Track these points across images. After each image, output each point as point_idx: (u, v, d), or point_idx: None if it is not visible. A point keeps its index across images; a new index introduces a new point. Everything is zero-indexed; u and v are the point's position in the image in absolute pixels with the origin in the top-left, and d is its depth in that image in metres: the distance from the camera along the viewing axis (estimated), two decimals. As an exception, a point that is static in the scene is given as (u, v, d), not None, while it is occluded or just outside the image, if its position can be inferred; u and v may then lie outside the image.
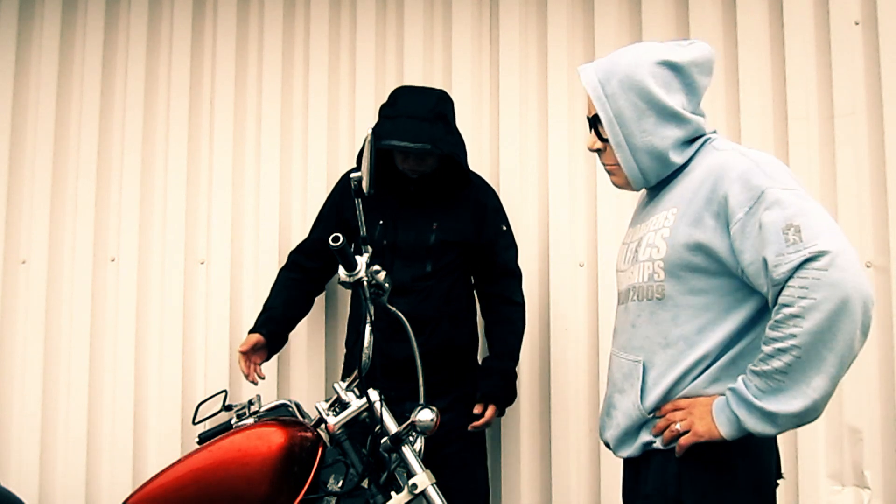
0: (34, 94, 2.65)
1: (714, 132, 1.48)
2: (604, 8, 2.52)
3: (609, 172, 1.53)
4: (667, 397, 1.37)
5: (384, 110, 2.11)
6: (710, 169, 1.36)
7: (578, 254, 2.48)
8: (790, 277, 1.21)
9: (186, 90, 2.64)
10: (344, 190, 2.25)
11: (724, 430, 1.28)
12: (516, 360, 2.20)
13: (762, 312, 1.34)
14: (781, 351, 1.21)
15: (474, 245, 2.19)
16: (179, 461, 1.68)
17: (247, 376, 2.14)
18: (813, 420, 1.27)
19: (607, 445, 1.52)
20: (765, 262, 1.24)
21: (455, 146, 2.11)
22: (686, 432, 1.31)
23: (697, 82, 1.42)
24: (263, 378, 2.16)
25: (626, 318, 1.48)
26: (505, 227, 2.26)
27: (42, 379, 2.56)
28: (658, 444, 1.37)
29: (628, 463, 1.50)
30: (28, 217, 2.61)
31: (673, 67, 1.39)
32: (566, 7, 2.55)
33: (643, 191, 1.58)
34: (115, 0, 2.68)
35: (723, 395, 1.31)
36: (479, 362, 2.29)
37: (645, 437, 1.40)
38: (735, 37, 2.42)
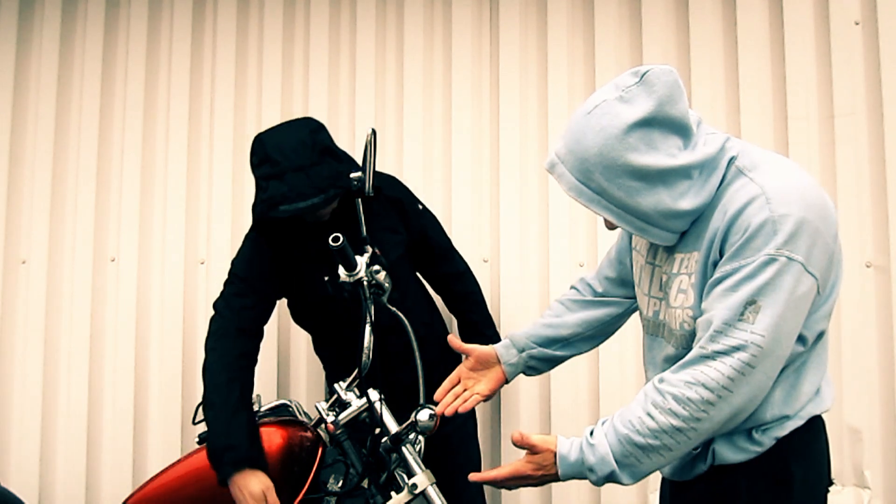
0: (34, 94, 2.65)
1: (727, 139, 1.30)
2: (604, 8, 2.52)
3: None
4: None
5: (261, 169, 1.79)
6: (731, 208, 1.22)
7: (578, 254, 2.48)
8: (722, 354, 1.18)
9: (186, 90, 2.64)
10: (267, 244, 1.95)
11: (563, 478, 1.29)
12: (492, 323, 2.25)
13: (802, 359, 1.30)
14: (678, 430, 1.20)
15: (412, 242, 2.08)
16: (179, 461, 1.69)
17: None
18: None
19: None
20: (710, 322, 1.19)
21: (354, 175, 1.84)
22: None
23: (677, 116, 1.22)
24: None
25: (664, 356, 1.39)
26: (421, 206, 2.13)
27: (42, 379, 2.56)
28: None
29: (673, 484, 1.46)
30: (28, 217, 2.62)
31: (644, 124, 1.20)
32: (566, 7, 2.55)
33: None
34: (115, 0, 2.68)
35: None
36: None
37: (701, 465, 1.35)
38: (735, 37, 2.42)
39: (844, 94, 2.31)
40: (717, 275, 1.21)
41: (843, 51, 2.32)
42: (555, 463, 1.28)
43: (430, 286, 2.28)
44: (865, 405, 2.23)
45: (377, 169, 1.96)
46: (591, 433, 1.27)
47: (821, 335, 1.32)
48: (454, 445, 2.09)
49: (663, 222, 1.26)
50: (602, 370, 2.41)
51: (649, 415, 1.21)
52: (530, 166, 2.53)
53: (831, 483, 1.43)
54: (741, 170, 1.26)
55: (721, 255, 1.23)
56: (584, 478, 1.27)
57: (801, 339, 1.27)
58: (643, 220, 1.26)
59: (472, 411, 2.20)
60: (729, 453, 1.30)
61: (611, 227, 1.37)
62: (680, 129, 1.23)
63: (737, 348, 1.17)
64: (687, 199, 1.24)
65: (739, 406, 1.19)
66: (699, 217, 1.29)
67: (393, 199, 2.04)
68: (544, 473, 1.30)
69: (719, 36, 2.44)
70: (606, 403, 2.40)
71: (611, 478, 1.25)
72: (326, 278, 1.88)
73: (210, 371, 1.84)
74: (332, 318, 1.99)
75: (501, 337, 2.22)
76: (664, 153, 1.21)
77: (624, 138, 1.20)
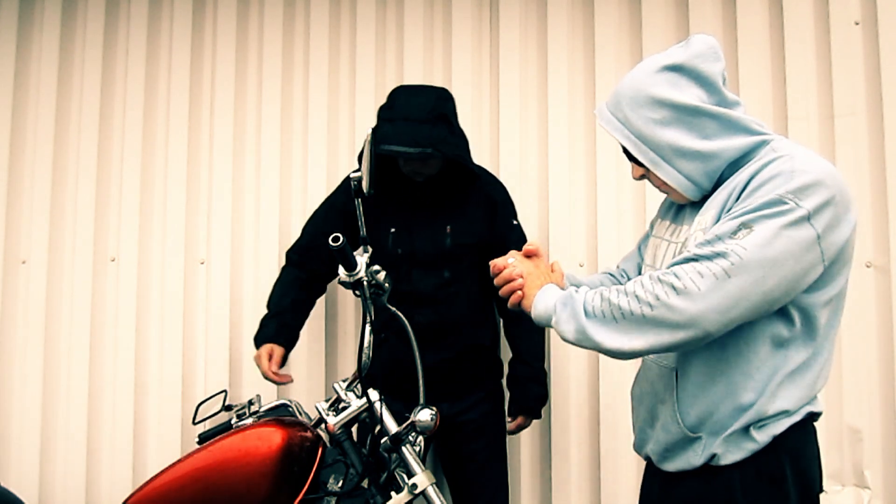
0: (34, 94, 2.65)
1: (765, 127, 1.39)
2: (604, 8, 2.52)
3: (666, 193, 1.47)
4: (712, 416, 1.33)
5: (383, 112, 2.04)
6: (757, 165, 1.30)
7: (578, 254, 2.48)
8: (704, 258, 1.21)
9: (186, 90, 2.64)
10: (347, 192, 2.19)
11: (535, 312, 1.38)
12: (543, 358, 2.23)
13: (793, 331, 1.30)
14: (638, 299, 1.24)
15: (487, 243, 2.15)
16: (179, 461, 1.68)
17: (278, 383, 2.11)
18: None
19: (647, 459, 1.49)
20: (711, 231, 1.25)
21: (458, 147, 2.05)
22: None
23: (705, 71, 1.35)
24: (292, 381, 2.18)
25: None
26: (515, 222, 2.22)
27: (42, 379, 2.56)
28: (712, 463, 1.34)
29: (659, 473, 1.46)
30: (28, 217, 2.61)
31: (673, 68, 1.36)
32: (566, 7, 2.55)
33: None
34: (115, 0, 2.68)
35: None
36: (502, 360, 2.29)
37: (694, 457, 1.35)
38: (735, 37, 2.42)
39: (844, 94, 2.31)
40: (727, 215, 1.27)
41: (843, 51, 2.32)
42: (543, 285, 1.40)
43: (497, 306, 2.26)
44: (865, 405, 2.24)
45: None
46: (575, 285, 1.43)
47: (827, 331, 1.33)
48: (479, 463, 2.13)
49: (673, 159, 1.36)
50: (602, 368, 2.42)
51: (618, 282, 1.31)
52: (530, 167, 2.53)
53: (821, 490, 1.42)
54: (774, 149, 1.34)
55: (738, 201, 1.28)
56: (552, 308, 1.34)
57: (786, 315, 1.29)
58: (655, 152, 1.37)
59: (503, 434, 2.22)
60: (726, 452, 1.32)
61: (637, 176, 1.47)
62: (705, 83, 1.36)
63: (718, 254, 1.20)
64: (698, 142, 1.35)
65: (703, 309, 1.19)
66: (721, 185, 1.36)
67: (490, 198, 2.16)
68: (533, 279, 1.42)
69: (719, 36, 2.44)
70: (606, 393, 2.40)
71: (574, 314, 1.30)
72: (393, 230, 2.05)
73: (272, 292, 2.23)
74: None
75: (535, 371, 2.22)
76: (685, 94, 1.35)
77: (653, 76, 1.37)
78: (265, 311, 2.20)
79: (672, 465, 1.40)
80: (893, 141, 2.25)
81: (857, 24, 2.32)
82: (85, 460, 2.54)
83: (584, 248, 2.48)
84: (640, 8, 2.49)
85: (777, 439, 1.31)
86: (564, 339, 1.33)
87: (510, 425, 2.21)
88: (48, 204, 2.62)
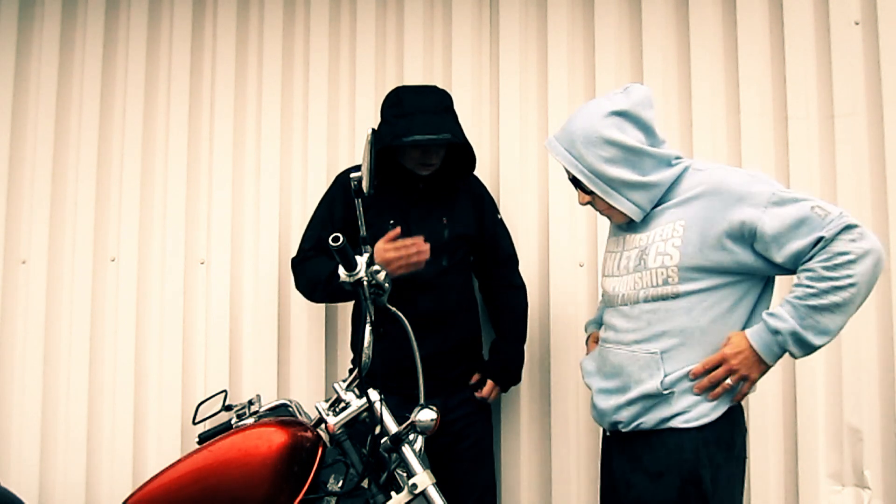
0: (34, 94, 2.64)
1: (679, 155, 1.68)
2: (604, 8, 2.52)
3: (608, 217, 1.75)
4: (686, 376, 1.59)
5: (392, 111, 2.12)
6: (709, 185, 1.58)
7: (578, 254, 2.48)
8: (838, 234, 1.46)
9: (186, 90, 2.64)
10: (346, 188, 2.22)
11: (772, 364, 1.55)
12: (524, 340, 2.30)
13: (760, 303, 1.62)
14: (839, 288, 1.45)
15: (478, 236, 2.26)
16: (179, 461, 1.68)
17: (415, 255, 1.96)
18: None
19: (605, 426, 1.71)
20: (816, 238, 1.47)
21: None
22: (741, 381, 1.56)
23: (644, 117, 1.64)
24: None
25: (634, 316, 1.65)
26: (499, 216, 2.35)
27: (42, 379, 2.56)
28: (678, 423, 1.57)
29: (619, 441, 1.67)
30: (28, 217, 2.61)
31: (619, 114, 1.62)
32: (566, 7, 2.55)
33: None
34: (115, 0, 2.68)
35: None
36: (484, 357, 2.32)
37: (661, 413, 1.58)
38: (735, 36, 2.42)
39: (844, 94, 2.31)
40: (758, 227, 1.51)
41: (843, 51, 2.32)
42: (747, 338, 1.54)
43: (484, 295, 2.36)
44: (865, 405, 2.24)
45: None
46: (769, 314, 1.53)
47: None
48: (468, 461, 2.15)
49: (623, 190, 1.64)
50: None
51: (809, 285, 1.48)
52: (530, 167, 2.53)
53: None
54: (696, 169, 1.66)
55: (731, 216, 1.53)
56: (776, 345, 1.51)
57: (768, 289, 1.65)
58: (607, 184, 1.64)
59: (491, 433, 2.27)
60: (686, 420, 1.56)
61: (584, 202, 1.72)
62: (644, 128, 1.65)
63: (845, 228, 1.47)
64: (640, 177, 1.63)
65: (876, 259, 1.47)
66: (662, 200, 1.65)
67: (475, 193, 2.29)
68: (740, 352, 1.55)
69: (719, 36, 2.44)
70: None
71: (798, 338, 1.49)
72: (392, 221, 2.12)
73: (303, 275, 2.19)
74: None
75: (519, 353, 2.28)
76: (631, 137, 1.62)
77: (603, 120, 1.62)
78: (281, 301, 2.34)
79: (632, 428, 1.61)
80: (893, 141, 2.25)
81: (857, 24, 2.32)
82: (85, 460, 2.54)
83: (585, 248, 2.48)
84: (640, 8, 2.49)
85: (727, 412, 1.58)
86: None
87: (481, 391, 2.20)
88: (48, 204, 2.61)
